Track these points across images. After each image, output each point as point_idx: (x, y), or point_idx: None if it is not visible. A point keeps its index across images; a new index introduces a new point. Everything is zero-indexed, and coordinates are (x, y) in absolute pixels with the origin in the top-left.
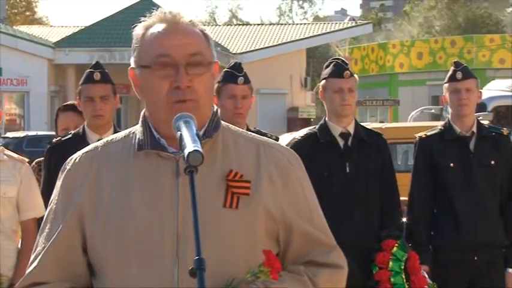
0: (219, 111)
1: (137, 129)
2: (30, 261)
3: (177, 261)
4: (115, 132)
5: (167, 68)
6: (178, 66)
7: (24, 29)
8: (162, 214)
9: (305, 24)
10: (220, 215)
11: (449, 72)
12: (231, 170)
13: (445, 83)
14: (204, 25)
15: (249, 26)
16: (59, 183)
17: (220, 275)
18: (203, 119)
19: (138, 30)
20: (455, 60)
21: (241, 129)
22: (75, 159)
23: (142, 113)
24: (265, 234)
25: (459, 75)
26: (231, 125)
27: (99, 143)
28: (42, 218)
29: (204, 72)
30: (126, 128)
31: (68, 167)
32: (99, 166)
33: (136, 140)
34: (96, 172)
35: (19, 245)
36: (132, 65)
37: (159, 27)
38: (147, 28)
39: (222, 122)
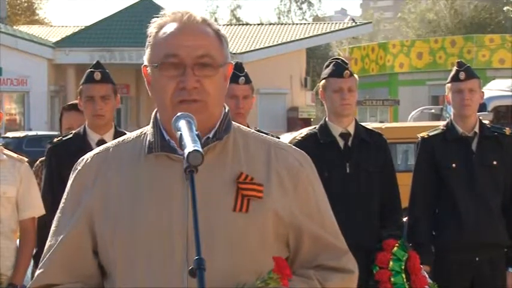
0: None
1: (148, 130)
2: (40, 261)
3: (187, 264)
4: (116, 132)
5: (175, 68)
6: (186, 67)
7: (24, 29)
8: (172, 217)
9: (305, 24)
10: (230, 219)
11: (452, 72)
12: (242, 172)
13: (448, 82)
14: None
15: (249, 26)
16: (69, 183)
17: (230, 278)
18: (212, 120)
19: (152, 29)
20: (459, 60)
21: (252, 130)
22: (86, 160)
23: (153, 113)
24: (274, 238)
25: (462, 75)
26: (242, 126)
27: (111, 144)
28: (41, 217)
29: (213, 74)
30: (126, 128)
31: (78, 168)
32: (109, 167)
33: (147, 142)
34: (106, 173)
35: (17, 244)
36: (145, 62)
37: (171, 27)
38: (161, 27)
39: (233, 123)
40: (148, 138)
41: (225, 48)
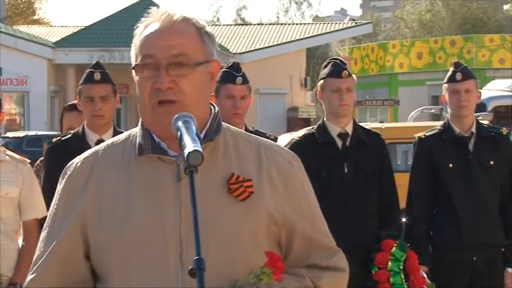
0: (219, 112)
1: (137, 131)
2: (31, 267)
3: (181, 265)
4: (115, 132)
5: (151, 68)
6: (160, 67)
7: (24, 29)
8: (165, 218)
9: (305, 24)
10: (222, 218)
11: (449, 73)
12: (233, 173)
13: (445, 83)
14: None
15: (249, 26)
16: (59, 187)
17: (223, 277)
18: (197, 120)
19: (137, 29)
20: (455, 60)
21: (240, 130)
22: (76, 164)
23: None
24: (266, 237)
25: (459, 76)
26: (231, 126)
27: (99, 147)
28: (43, 218)
29: (188, 73)
30: (126, 128)
31: (68, 172)
32: (100, 171)
33: (137, 144)
34: (98, 177)
35: (20, 246)
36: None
37: (151, 27)
38: (144, 27)
39: (223, 123)
40: (138, 140)
41: (209, 46)
